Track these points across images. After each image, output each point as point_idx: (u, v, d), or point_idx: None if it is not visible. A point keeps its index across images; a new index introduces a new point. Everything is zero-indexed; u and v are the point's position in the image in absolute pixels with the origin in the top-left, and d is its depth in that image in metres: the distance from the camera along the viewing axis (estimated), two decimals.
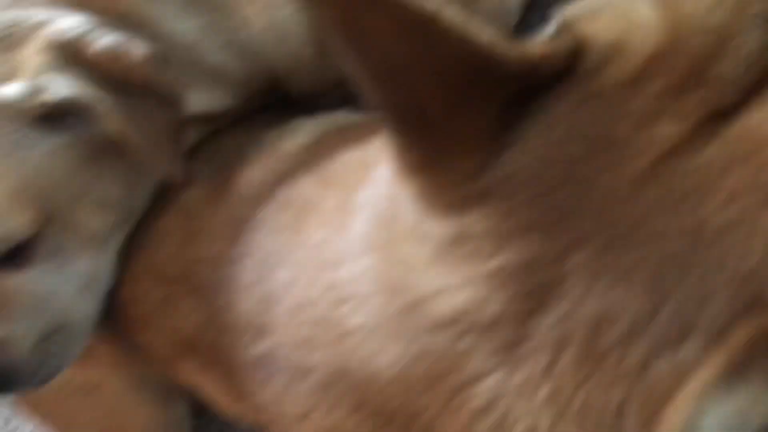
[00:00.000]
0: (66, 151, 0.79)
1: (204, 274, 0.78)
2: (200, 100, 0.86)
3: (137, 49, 0.77)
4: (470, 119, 0.45)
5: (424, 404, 0.54)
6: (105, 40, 0.77)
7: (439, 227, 0.50)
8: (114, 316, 0.90)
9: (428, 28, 0.43)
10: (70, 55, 0.77)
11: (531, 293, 0.46)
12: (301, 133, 0.86)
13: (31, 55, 0.77)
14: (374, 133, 0.75)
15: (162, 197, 0.88)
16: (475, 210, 0.47)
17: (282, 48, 0.91)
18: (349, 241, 0.61)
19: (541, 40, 0.48)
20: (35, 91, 0.75)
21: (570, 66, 0.47)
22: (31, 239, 0.80)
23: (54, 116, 0.77)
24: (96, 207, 0.82)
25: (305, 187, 0.72)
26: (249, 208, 0.78)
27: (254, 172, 0.82)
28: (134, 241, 0.88)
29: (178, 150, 0.82)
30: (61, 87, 0.74)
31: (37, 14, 0.79)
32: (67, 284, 0.84)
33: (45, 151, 0.77)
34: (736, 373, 0.43)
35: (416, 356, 0.53)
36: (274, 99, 0.99)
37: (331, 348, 0.61)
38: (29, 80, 0.75)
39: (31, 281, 0.82)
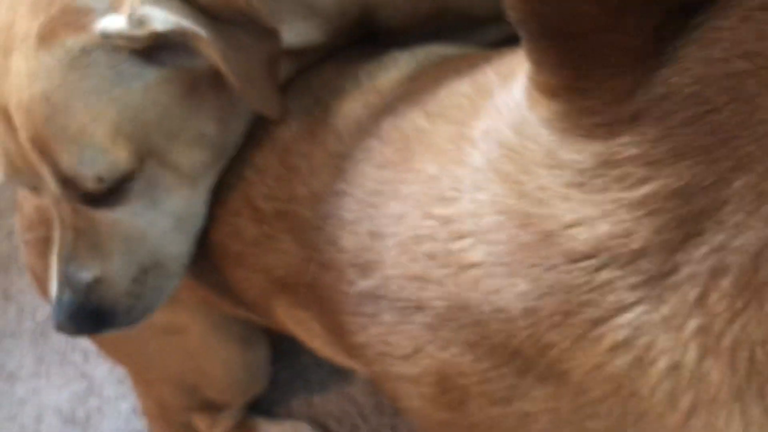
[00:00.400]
0: (164, 85, 0.78)
1: (302, 212, 0.77)
2: (293, 34, 0.84)
3: None
4: (624, 35, 0.43)
5: (554, 339, 0.52)
6: None
7: (579, 153, 0.47)
8: (205, 255, 0.90)
9: None
10: None
11: (684, 221, 0.43)
12: (396, 66, 0.83)
13: None
14: (478, 65, 0.72)
15: (255, 134, 0.87)
16: (624, 133, 0.44)
17: None
18: (467, 174, 0.59)
19: None
20: (139, 23, 0.73)
21: None
22: (128, 175, 0.79)
23: (154, 49, 0.76)
24: (191, 144, 0.81)
25: (410, 120, 0.70)
26: (347, 144, 0.76)
27: (351, 107, 0.80)
28: (228, 177, 0.87)
29: (274, 84, 0.80)
30: (164, 18, 0.73)
31: None
32: (162, 222, 0.84)
33: (144, 85, 0.77)
34: None
35: (547, 290, 0.51)
36: (360, 35, 0.96)
37: (448, 283, 0.59)
38: (130, 12, 0.74)
39: (127, 218, 0.82)
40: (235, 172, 0.86)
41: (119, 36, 0.74)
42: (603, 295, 0.48)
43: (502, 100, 0.58)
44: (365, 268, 0.68)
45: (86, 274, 0.83)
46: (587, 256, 0.48)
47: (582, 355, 0.50)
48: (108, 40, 0.75)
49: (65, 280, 0.84)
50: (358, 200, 0.70)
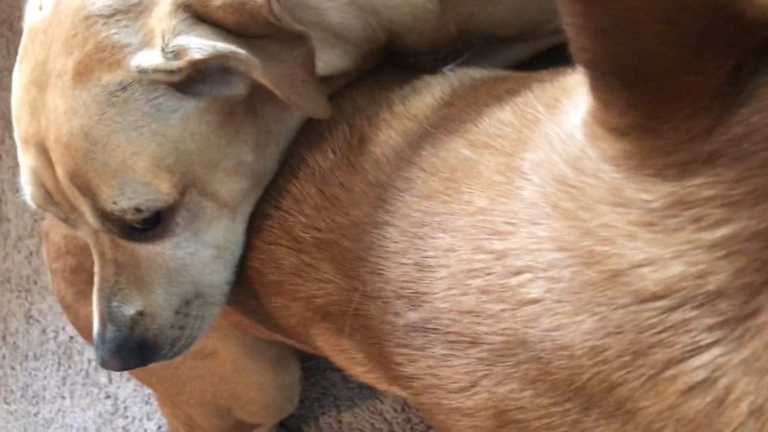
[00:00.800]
0: (202, 115, 0.77)
1: (343, 242, 0.75)
2: (322, 62, 0.83)
3: None
4: (702, 76, 0.41)
5: (622, 378, 0.51)
6: None
7: (649, 192, 0.46)
8: (242, 281, 0.89)
9: None
10: (196, 13, 0.74)
11: (765, 264, 0.42)
12: (429, 90, 0.82)
13: (160, 20, 0.74)
14: (518, 90, 0.71)
15: (291, 163, 0.86)
16: (700, 174, 0.43)
17: (405, 2, 0.87)
18: (521, 208, 0.57)
19: None
20: (174, 55, 0.72)
21: None
22: (170, 207, 0.78)
23: (189, 80, 0.75)
24: (231, 172, 0.81)
25: (453, 150, 0.69)
26: (387, 173, 0.74)
27: (387, 135, 0.79)
28: (265, 206, 0.86)
29: (317, 86, 0.79)
30: (200, 44, 0.72)
31: None
32: (203, 252, 0.83)
33: (183, 117, 0.76)
34: None
35: (615, 329, 0.50)
36: (385, 57, 0.95)
37: (504, 318, 0.58)
38: (163, 45, 0.73)
39: (169, 250, 0.81)
40: (272, 201, 0.85)
41: (156, 70, 0.73)
42: (676, 336, 0.47)
43: (553, 132, 0.57)
44: (413, 300, 0.67)
45: (129, 309, 0.82)
46: (659, 297, 0.47)
47: (653, 395, 0.49)
48: (144, 76, 0.74)
49: (108, 316, 0.83)
50: (403, 231, 0.69)
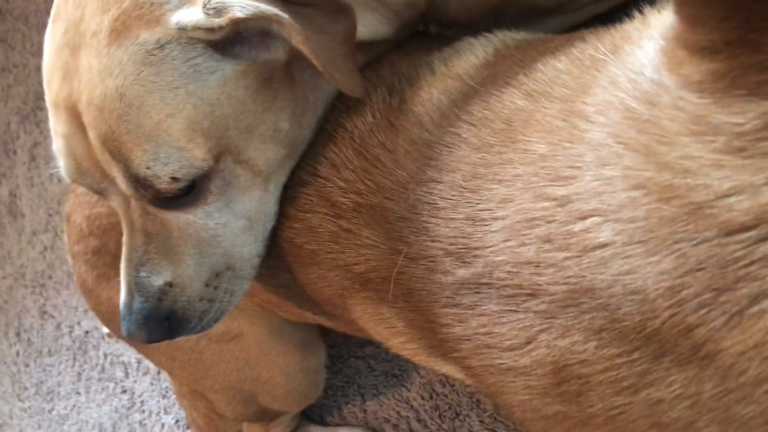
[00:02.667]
0: (240, 79, 0.74)
1: (386, 203, 0.73)
2: (363, 27, 0.81)
3: None
4: None
5: (701, 319, 0.48)
6: None
7: (739, 115, 0.43)
8: (273, 254, 0.86)
9: None
10: None
11: None
12: (472, 51, 0.79)
13: None
14: (568, 44, 0.69)
15: (325, 129, 0.83)
16: None
17: None
18: (587, 151, 0.55)
19: None
20: (216, 12, 0.70)
21: None
22: (205, 174, 0.75)
23: (228, 42, 0.73)
24: (267, 140, 0.78)
25: (506, 101, 0.66)
26: (431, 131, 0.72)
27: (429, 94, 0.76)
28: (299, 174, 0.83)
29: (354, 62, 0.76)
30: (243, 3, 0.70)
31: None
32: (234, 223, 0.80)
33: (220, 79, 0.73)
34: None
35: (696, 266, 0.47)
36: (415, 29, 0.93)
37: (568, 266, 0.55)
38: (206, 1, 0.71)
39: (201, 219, 0.78)
40: (306, 168, 0.82)
41: (196, 28, 0.70)
42: (765, 269, 0.44)
43: (619, 72, 0.54)
44: (464, 256, 0.64)
45: (158, 279, 0.79)
46: (747, 227, 0.44)
47: (737, 334, 0.46)
48: (183, 33, 0.71)
49: (135, 286, 0.80)
50: (453, 186, 0.66)
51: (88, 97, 0.73)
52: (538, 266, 0.57)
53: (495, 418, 1.17)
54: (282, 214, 0.84)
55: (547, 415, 0.62)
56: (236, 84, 0.74)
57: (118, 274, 1.03)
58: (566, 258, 0.55)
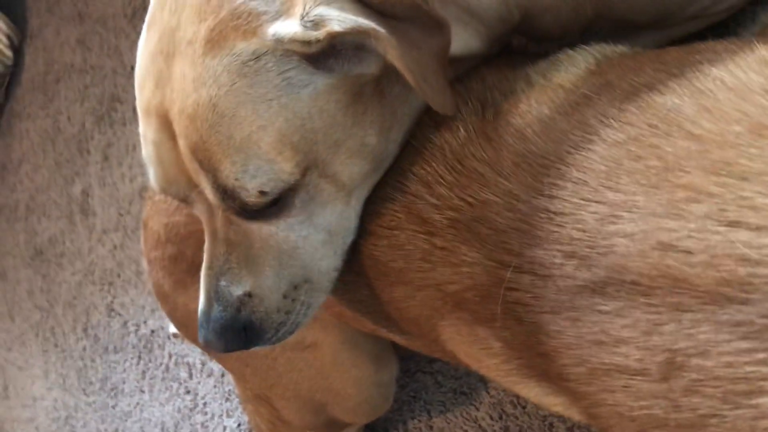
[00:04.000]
0: (332, 93, 0.71)
1: (491, 217, 0.69)
2: (455, 41, 0.78)
3: None
4: None
5: None
6: None
7: None
8: (353, 270, 0.84)
9: None
10: None
11: None
12: (574, 63, 0.75)
13: None
14: (699, 53, 0.65)
15: (411, 145, 0.81)
16: None
17: None
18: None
19: None
20: (314, 24, 0.68)
21: None
22: (291, 188, 0.73)
23: (323, 55, 0.70)
24: (353, 154, 0.75)
25: (650, 101, 0.63)
26: (538, 142, 0.68)
27: (529, 106, 0.73)
28: (385, 190, 0.80)
29: (447, 79, 0.73)
30: (341, 17, 0.67)
31: None
32: (315, 237, 0.77)
33: (313, 92, 0.70)
34: None
35: None
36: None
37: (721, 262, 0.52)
38: (303, 14, 0.69)
39: (283, 231, 0.76)
40: (394, 185, 0.79)
41: (293, 40, 0.68)
42: None
43: None
44: (588, 258, 0.60)
45: (237, 289, 0.77)
46: None
47: None
48: (280, 45, 0.69)
49: (215, 295, 0.79)
50: (585, 186, 0.63)
51: (181, 105, 0.71)
52: (689, 256, 0.54)
53: None
54: (365, 231, 0.80)
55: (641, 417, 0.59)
56: (328, 98, 0.71)
57: (194, 282, 1.03)
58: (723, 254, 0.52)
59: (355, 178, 0.77)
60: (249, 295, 0.78)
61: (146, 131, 0.77)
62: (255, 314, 0.79)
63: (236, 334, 0.79)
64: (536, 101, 0.73)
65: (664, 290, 0.54)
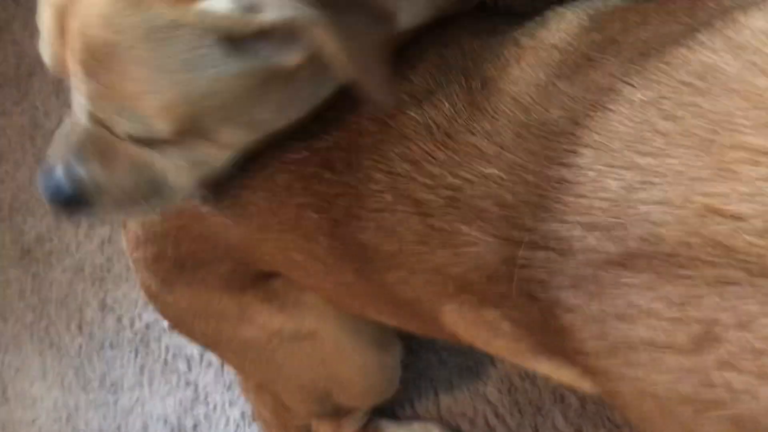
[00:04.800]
0: (239, 78, 0.67)
1: (497, 191, 0.64)
2: (408, 16, 0.73)
3: None
4: None
5: None
6: None
7: None
8: (354, 256, 0.79)
9: None
10: None
11: None
12: (565, 21, 0.69)
13: None
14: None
15: (389, 125, 0.75)
16: None
17: None
18: None
19: None
20: (249, 8, 0.62)
21: None
22: (164, 140, 0.71)
23: (248, 39, 0.65)
24: (241, 126, 0.72)
25: (672, 55, 0.58)
26: (540, 109, 0.63)
27: (521, 70, 0.67)
28: (371, 173, 0.75)
29: (389, 70, 0.68)
30: (279, 4, 0.61)
31: None
32: (179, 164, 0.75)
33: (216, 74, 0.66)
34: None
35: None
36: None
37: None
38: None
39: (149, 156, 0.74)
40: (378, 168, 0.74)
41: (220, 19, 0.63)
42: None
43: None
44: (611, 229, 0.55)
45: (82, 171, 0.74)
46: None
47: None
48: (202, 22, 0.63)
49: (65, 163, 0.75)
50: (601, 155, 0.58)
51: (81, 25, 0.66)
52: (739, 222, 0.49)
53: (581, 414, 1.09)
54: (352, 215, 0.76)
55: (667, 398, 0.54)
56: (232, 82, 0.67)
57: (179, 279, 0.99)
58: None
59: (237, 144, 0.74)
60: (92, 182, 0.75)
61: (44, 17, 0.71)
62: (90, 199, 0.76)
63: (65, 202, 0.76)
64: (528, 65, 0.67)
65: (706, 261, 0.49)
